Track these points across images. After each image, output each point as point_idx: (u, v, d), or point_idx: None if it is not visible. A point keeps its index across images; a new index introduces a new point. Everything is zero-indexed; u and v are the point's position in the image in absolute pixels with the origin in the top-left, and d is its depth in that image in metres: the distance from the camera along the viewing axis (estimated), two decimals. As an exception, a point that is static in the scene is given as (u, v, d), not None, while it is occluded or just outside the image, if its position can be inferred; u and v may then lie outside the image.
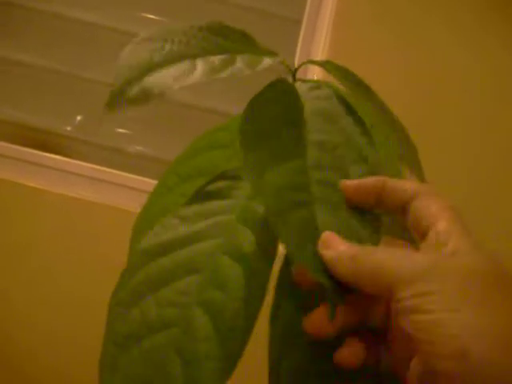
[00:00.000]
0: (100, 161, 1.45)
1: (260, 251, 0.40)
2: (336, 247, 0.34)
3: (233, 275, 0.39)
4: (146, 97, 0.41)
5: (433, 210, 0.35)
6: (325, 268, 0.34)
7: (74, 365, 1.30)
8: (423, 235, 0.35)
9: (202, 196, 0.45)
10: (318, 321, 0.35)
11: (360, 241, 0.36)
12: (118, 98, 0.41)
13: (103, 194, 1.39)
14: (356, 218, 0.37)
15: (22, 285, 1.33)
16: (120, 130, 1.51)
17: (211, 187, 0.46)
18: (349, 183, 0.38)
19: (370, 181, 0.38)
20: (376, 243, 0.36)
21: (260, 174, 0.37)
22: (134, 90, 0.42)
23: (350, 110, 0.43)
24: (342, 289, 0.34)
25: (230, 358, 0.36)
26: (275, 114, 0.41)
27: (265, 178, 0.37)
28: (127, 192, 1.40)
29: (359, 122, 0.42)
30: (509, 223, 1.34)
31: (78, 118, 1.51)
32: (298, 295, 0.41)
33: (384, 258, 0.32)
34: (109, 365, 0.38)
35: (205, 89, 1.48)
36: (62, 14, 1.52)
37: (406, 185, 0.37)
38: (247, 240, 0.41)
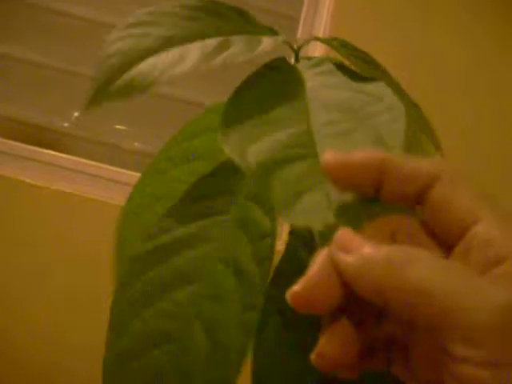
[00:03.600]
0: (97, 157, 1.44)
1: (254, 259, 0.38)
2: (359, 250, 0.24)
3: (228, 287, 0.37)
4: (131, 90, 0.38)
5: (467, 205, 0.25)
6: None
7: (74, 362, 1.30)
8: (456, 238, 0.25)
9: (198, 193, 0.42)
10: (331, 350, 0.25)
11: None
12: (102, 92, 0.37)
13: (101, 190, 1.38)
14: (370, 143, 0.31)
15: (21, 281, 1.33)
16: (118, 127, 1.49)
17: (208, 183, 0.42)
18: (330, 158, 0.26)
19: (364, 156, 0.26)
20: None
21: (244, 145, 0.32)
22: (118, 83, 0.38)
23: (357, 77, 0.38)
24: None
25: (226, 381, 0.35)
26: (270, 88, 0.37)
27: (250, 147, 0.31)
28: (125, 188, 1.38)
29: (370, 80, 0.36)
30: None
31: (76, 114, 1.50)
32: (285, 314, 0.38)
33: (439, 276, 0.22)
34: (110, 379, 0.37)
35: (204, 84, 1.46)
36: (59, 10, 1.51)
37: (421, 166, 0.26)
38: (242, 246, 0.39)
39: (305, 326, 0.34)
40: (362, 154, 0.26)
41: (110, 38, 0.41)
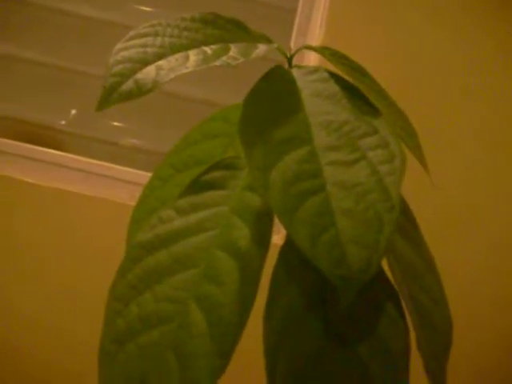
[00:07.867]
0: (95, 154, 1.44)
1: (253, 244, 0.40)
2: None
3: (227, 269, 0.40)
4: (139, 90, 0.41)
5: None
6: (338, 264, 0.33)
7: (74, 361, 1.30)
8: None
9: (197, 186, 0.45)
10: None
11: (379, 215, 0.35)
12: (112, 93, 0.40)
13: (98, 187, 1.39)
14: (375, 192, 0.36)
15: (20, 279, 1.33)
16: (115, 124, 1.50)
17: (207, 177, 0.46)
18: None
19: None
20: (394, 219, 0.35)
21: (265, 170, 0.37)
22: (128, 84, 0.41)
23: (349, 88, 0.42)
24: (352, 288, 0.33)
25: (223, 354, 0.37)
26: (273, 103, 0.41)
27: (271, 174, 0.37)
28: (122, 185, 1.39)
29: (361, 98, 0.41)
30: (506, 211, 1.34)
31: (73, 111, 1.50)
32: (293, 291, 0.41)
33: None
34: (107, 360, 0.38)
35: (200, 80, 1.48)
36: (56, 8, 1.51)
37: None
38: (241, 233, 0.41)
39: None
40: None
41: (115, 49, 0.44)
